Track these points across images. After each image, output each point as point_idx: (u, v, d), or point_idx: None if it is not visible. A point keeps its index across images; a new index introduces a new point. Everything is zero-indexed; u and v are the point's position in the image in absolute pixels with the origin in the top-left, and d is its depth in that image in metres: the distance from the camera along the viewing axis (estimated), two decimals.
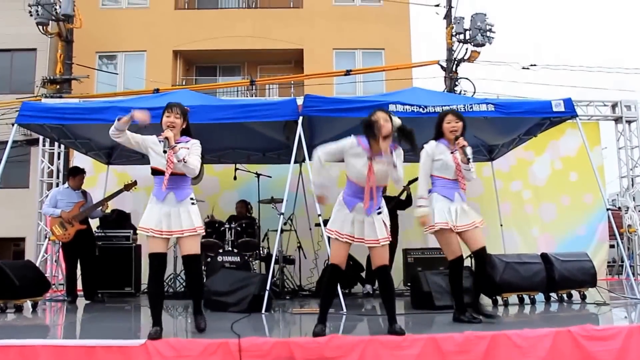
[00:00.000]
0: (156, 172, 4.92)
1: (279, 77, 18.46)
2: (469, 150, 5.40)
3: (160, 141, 4.91)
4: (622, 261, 10.67)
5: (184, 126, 5.07)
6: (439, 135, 5.59)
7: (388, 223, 4.88)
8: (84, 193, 8.56)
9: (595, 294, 7.52)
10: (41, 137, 11.02)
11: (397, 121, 4.80)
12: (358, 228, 4.77)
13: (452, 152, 5.42)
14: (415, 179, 9.05)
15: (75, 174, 8.58)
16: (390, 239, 4.88)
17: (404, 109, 7.31)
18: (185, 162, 4.82)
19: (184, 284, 9.26)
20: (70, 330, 6.09)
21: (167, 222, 4.85)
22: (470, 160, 5.39)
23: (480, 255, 5.51)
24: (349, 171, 4.84)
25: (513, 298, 7.17)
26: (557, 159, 11.45)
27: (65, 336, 5.58)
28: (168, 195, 4.88)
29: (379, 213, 4.83)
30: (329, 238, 5.05)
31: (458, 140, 5.37)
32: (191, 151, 4.95)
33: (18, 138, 15.79)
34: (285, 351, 4.40)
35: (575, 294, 7.53)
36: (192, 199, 5.01)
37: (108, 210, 8.86)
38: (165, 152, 4.81)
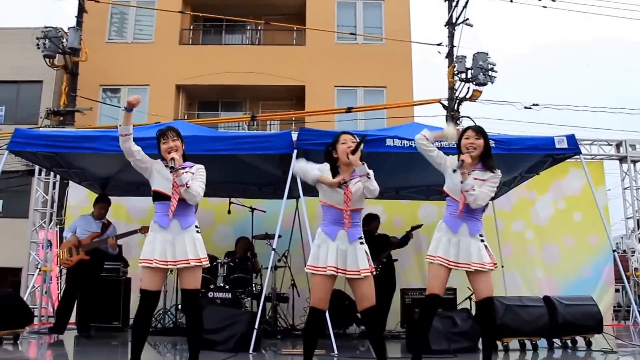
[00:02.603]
0: (159, 197, 4.60)
1: (280, 113, 18.49)
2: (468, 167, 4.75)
3: (166, 166, 4.61)
4: (629, 306, 10.37)
5: (183, 148, 4.73)
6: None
7: (369, 255, 4.55)
8: (106, 225, 8.35)
9: (601, 340, 7.22)
10: (37, 167, 10.87)
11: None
12: (341, 258, 4.45)
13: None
14: (418, 226, 9.04)
15: (96, 203, 8.46)
16: (373, 272, 4.52)
17: (401, 143, 7.20)
18: (187, 187, 4.51)
19: (173, 319, 9.04)
20: None
21: (171, 251, 4.49)
22: (469, 183, 4.68)
23: (485, 306, 4.71)
24: (324, 196, 4.58)
25: (514, 343, 6.87)
26: (560, 199, 11.23)
27: None
28: (172, 223, 4.55)
29: (361, 243, 4.55)
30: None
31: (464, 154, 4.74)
32: (195, 176, 4.63)
33: (19, 168, 15.82)
34: None
35: (580, 340, 7.24)
36: (197, 226, 4.66)
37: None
38: (172, 169, 4.52)
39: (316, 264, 4.47)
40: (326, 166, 4.63)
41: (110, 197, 8.73)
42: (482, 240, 4.72)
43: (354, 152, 4.45)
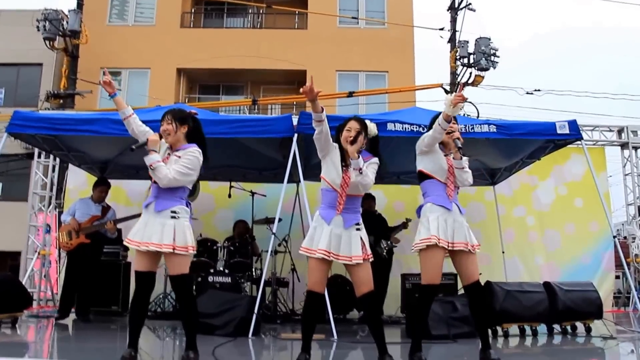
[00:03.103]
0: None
1: (281, 97, 18.36)
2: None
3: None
4: (629, 292, 10.36)
5: (183, 131, 4.61)
6: None
7: (367, 242, 4.53)
8: (106, 209, 8.30)
9: (601, 326, 7.24)
10: (36, 150, 10.82)
11: (373, 130, 4.58)
12: (334, 243, 4.40)
13: (445, 155, 4.82)
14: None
15: (96, 186, 8.40)
16: (369, 259, 4.47)
17: (402, 127, 7.16)
18: (152, 169, 4.41)
19: (173, 303, 9.02)
20: (44, 349, 5.83)
21: (143, 232, 4.41)
22: (463, 158, 4.75)
23: (474, 290, 4.67)
24: (326, 171, 4.54)
25: (514, 329, 6.85)
26: (561, 185, 11.21)
27: (36, 355, 5.32)
28: (150, 205, 4.50)
29: (358, 229, 4.52)
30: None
31: (452, 133, 4.71)
32: (180, 159, 4.50)
33: (19, 151, 15.77)
34: None
35: (579, 326, 7.19)
36: (174, 212, 4.48)
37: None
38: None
39: (310, 246, 4.45)
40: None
41: (109, 181, 8.68)
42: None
43: (352, 142, 4.40)
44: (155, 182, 4.49)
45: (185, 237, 4.46)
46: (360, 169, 4.36)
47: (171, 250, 4.36)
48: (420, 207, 4.78)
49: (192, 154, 4.54)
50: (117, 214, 8.53)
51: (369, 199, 9.09)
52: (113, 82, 4.68)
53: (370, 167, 4.49)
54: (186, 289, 4.60)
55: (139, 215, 7.97)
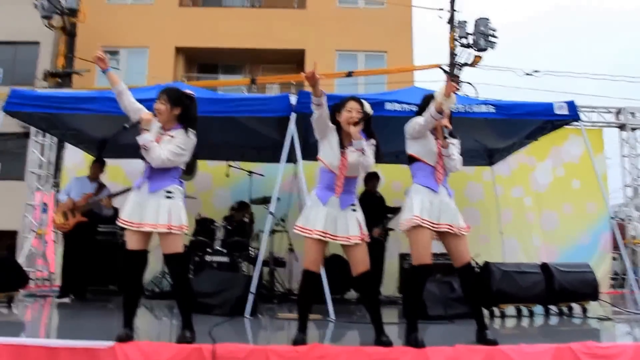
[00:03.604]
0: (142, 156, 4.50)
1: (280, 77, 18.25)
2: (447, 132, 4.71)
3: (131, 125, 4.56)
4: (625, 274, 10.38)
5: (176, 112, 4.56)
6: None
7: (363, 222, 4.54)
8: (101, 186, 8.30)
9: (597, 307, 7.30)
10: (32, 128, 10.77)
11: (368, 109, 4.55)
12: (331, 224, 4.41)
13: (436, 138, 4.78)
14: None
15: (93, 163, 8.42)
16: (366, 239, 4.49)
17: (401, 107, 7.13)
18: (146, 149, 4.39)
19: (170, 282, 8.99)
20: (41, 328, 5.86)
21: (139, 213, 4.40)
22: (452, 145, 4.73)
23: (465, 271, 4.69)
24: (324, 153, 4.53)
25: (510, 310, 6.89)
26: (559, 166, 11.17)
27: (31, 334, 5.31)
28: (143, 184, 4.48)
29: (354, 210, 4.51)
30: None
31: (442, 120, 4.64)
32: (172, 140, 4.48)
33: (15, 130, 15.71)
34: (263, 359, 4.12)
35: (576, 307, 7.24)
36: (169, 192, 4.46)
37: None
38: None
39: (305, 225, 4.45)
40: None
41: (107, 160, 8.66)
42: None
43: (356, 123, 4.38)
44: (147, 162, 4.46)
45: (180, 217, 4.46)
46: (363, 150, 4.35)
47: (167, 230, 4.36)
48: (408, 189, 4.78)
49: (183, 138, 4.53)
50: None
51: (373, 179, 9.07)
52: (106, 57, 4.62)
53: (368, 148, 4.47)
54: (181, 267, 4.59)
55: (132, 188, 8.07)
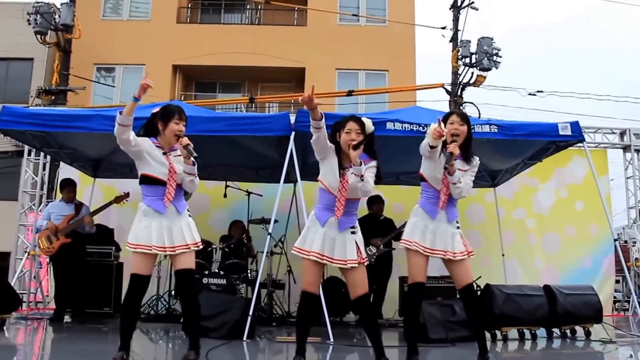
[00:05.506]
0: (151, 181, 4.38)
1: (279, 96, 18.20)
2: (455, 159, 4.57)
3: (157, 146, 4.43)
4: (629, 296, 10.27)
5: None
6: None
7: (362, 246, 4.43)
8: (79, 206, 8.24)
9: (600, 330, 7.11)
10: (26, 147, 10.64)
11: (369, 127, 4.42)
12: (328, 246, 4.31)
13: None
14: None
15: (63, 187, 8.33)
16: (363, 262, 4.37)
17: (402, 127, 7.05)
18: (194, 176, 4.44)
19: (166, 305, 8.91)
20: (34, 352, 5.73)
21: (169, 236, 4.34)
22: (460, 171, 4.59)
23: (465, 293, 4.65)
24: (324, 174, 4.42)
25: (513, 332, 6.78)
26: (562, 187, 11.10)
27: (25, 358, 5.24)
28: (169, 208, 4.38)
29: (353, 232, 4.39)
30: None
31: (450, 145, 4.53)
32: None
33: (8, 149, 15.56)
34: None
35: (579, 330, 7.12)
36: (188, 210, 4.54)
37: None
38: (196, 159, 4.41)
39: (302, 246, 4.38)
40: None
41: (102, 179, 8.59)
42: (458, 227, 4.66)
43: (355, 147, 4.26)
44: (173, 185, 4.41)
45: (197, 233, 4.54)
46: (362, 176, 4.24)
47: (196, 248, 4.45)
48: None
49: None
50: (110, 213, 8.43)
51: (377, 202, 8.99)
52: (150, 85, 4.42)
53: (368, 171, 4.35)
54: (194, 283, 4.68)
55: (112, 201, 8.00)
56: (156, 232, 4.32)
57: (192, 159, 4.37)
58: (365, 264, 4.40)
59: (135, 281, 4.37)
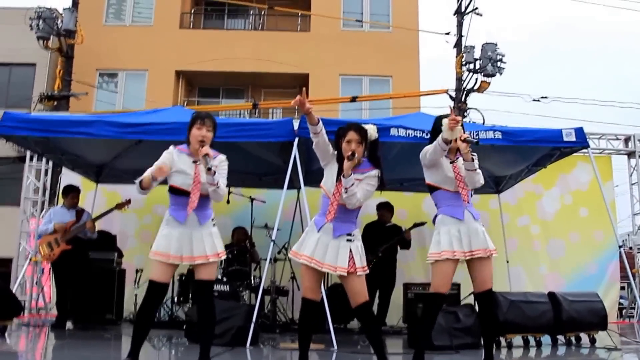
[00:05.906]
0: (176, 191, 4.36)
1: (283, 101, 18.16)
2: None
3: (194, 161, 4.37)
4: (634, 303, 10.22)
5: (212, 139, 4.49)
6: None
7: (361, 254, 4.35)
8: (80, 212, 8.21)
9: (605, 337, 7.12)
10: (28, 153, 10.63)
11: (373, 133, 4.39)
12: (320, 250, 4.27)
13: (451, 162, 4.70)
14: (421, 223, 8.80)
15: (66, 193, 8.29)
16: (357, 271, 4.27)
17: (406, 133, 7.02)
18: (217, 187, 4.29)
19: (169, 312, 8.88)
20: (36, 359, 5.70)
21: (189, 247, 4.30)
22: (475, 159, 4.59)
23: (485, 299, 4.69)
24: (325, 179, 4.41)
25: (517, 339, 6.74)
26: (567, 193, 11.07)
27: None
28: (190, 217, 4.32)
29: (349, 240, 4.33)
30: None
31: (460, 134, 4.52)
32: (219, 171, 4.35)
33: (10, 154, 15.52)
34: None
35: (584, 337, 7.11)
36: (213, 219, 4.47)
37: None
38: (210, 169, 4.25)
39: (297, 250, 4.38)
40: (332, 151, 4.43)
41: (105, 185, 8.55)
42: (482, 225, 4.68)
43: (349, 159, 4.23)
44: (197, 195, 4.32)
45: (221, 243, 4.50)
46: (347, 189, 4.20)
47: (216, 259, 4.39)
48: (435, 216, 4.75)
49: (226, 164, 4.51)
50: (113, 219, 8.39)
51: (384, 209, 8.92)
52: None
53: (366, 180, 4.32)
54: (212, 294, 4.58)
55: (114, 208, 7.92)
56: (176, 241, 4.29)
57: (212, 169, 4.25)
58: (366, 272, 4.34)
59: (151, 288, 4.34)
